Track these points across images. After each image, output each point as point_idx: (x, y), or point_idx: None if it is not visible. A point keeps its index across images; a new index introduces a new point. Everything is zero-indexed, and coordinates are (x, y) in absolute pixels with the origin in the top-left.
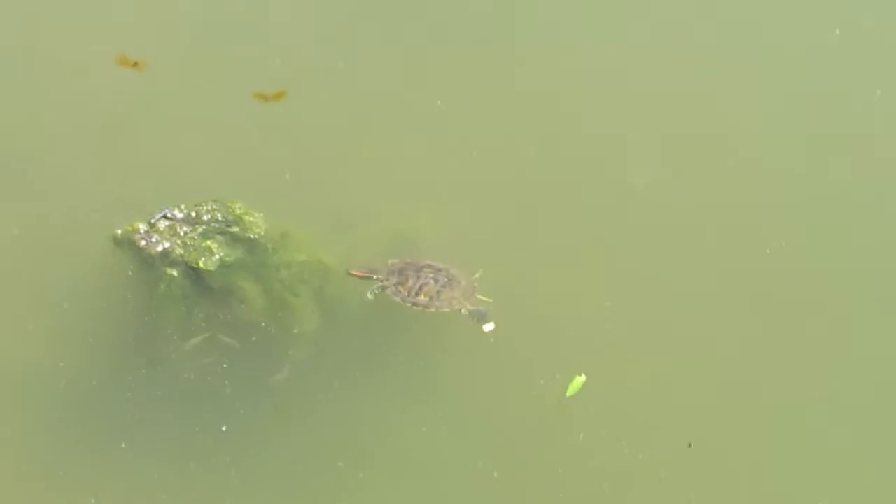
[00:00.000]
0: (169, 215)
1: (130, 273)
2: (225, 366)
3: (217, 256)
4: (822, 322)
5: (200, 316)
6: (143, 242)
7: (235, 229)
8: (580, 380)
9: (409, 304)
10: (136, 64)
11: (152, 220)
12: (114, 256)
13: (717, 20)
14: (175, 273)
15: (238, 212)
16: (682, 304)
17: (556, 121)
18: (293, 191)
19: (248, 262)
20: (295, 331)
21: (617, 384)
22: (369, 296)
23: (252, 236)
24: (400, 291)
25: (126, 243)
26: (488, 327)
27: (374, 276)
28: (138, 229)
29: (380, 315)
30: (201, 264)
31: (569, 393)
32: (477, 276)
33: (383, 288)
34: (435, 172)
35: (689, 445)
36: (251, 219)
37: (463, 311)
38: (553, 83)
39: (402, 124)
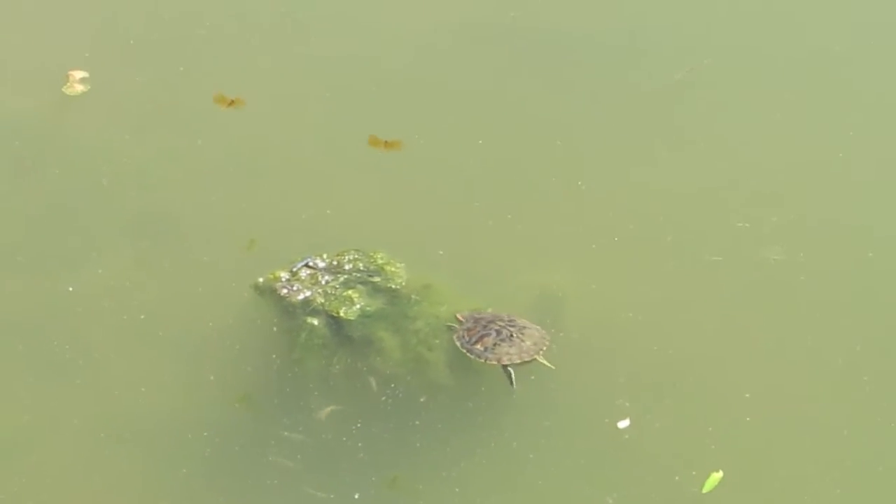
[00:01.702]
0: (311, 264)
1: (275, 329)
2: (359, 425)
3: (358, 306)
4: None
5: (338, 368)
6: (284, 291)
7: (377, 279)
8: (717, 476)
9: (465, 352)
10: (232, 102)
11: (294, 269)
12: (255, 306)
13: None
14: (316, 322)
15: (380, 262)
16: (828, 396)
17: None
18: (437, 242)
19: (389, 312)
20: (422, 399)
21: (756, 480)
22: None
23: (393, 287)
24: (463, 337)
25: (268, 292)
26: (623, 423)
27: (461, 322)
28: (280, 278)
29: (515, 375)
30: (342, 314)
31: (705, 489)
32: (546, 338)
33: (453, 331)
34: (583, 240)
35: None
36: (393, 269)
37: (508, 366)
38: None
39: (549, 185)
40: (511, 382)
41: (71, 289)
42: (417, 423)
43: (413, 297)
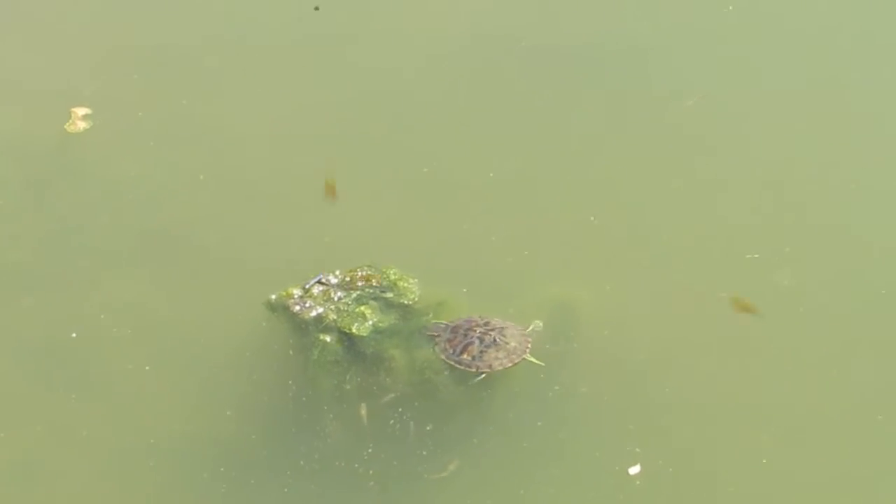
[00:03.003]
0: (324, 281)
1: (291, 352)
2: (370, 450)
3: (370, 322)
4: None
5: (350, 386)
6: (297, 308)
7: (390, 295)
8: None
9: (453, 363)
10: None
11: (307, 286)
12: (269, 333)
13: None
14: (328, 339)
15: (393, 277)
16: (844, 437)
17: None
18: (451, 258)
19: (402, 328)
20: (429, 427)
21: None
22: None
23: (406, 302)
24: (447, 349)
25: (280, 308)
26: (634, 470)
27: (437, 335)
28: (293, 295)
29: (523, 420)
30: (354, 330)
31: None
32: (531, 328)
33: (436, 345)
34: (596, 279)
35: None
36: (406, 284)
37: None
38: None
39: (561, 218)
40: (476, 377)
41: (74, 335)
42: (425, 453)
43: (431, 314)
